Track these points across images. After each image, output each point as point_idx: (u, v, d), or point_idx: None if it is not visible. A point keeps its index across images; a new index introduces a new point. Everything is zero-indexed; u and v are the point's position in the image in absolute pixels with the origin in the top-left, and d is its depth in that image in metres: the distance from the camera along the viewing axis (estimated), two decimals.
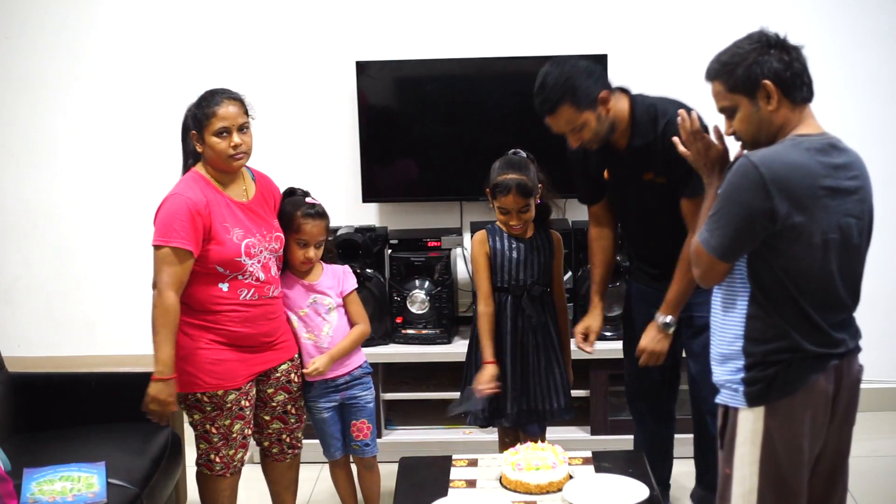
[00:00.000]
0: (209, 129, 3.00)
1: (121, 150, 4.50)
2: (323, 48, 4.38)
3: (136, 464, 3.15)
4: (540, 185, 3.30)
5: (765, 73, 2.33)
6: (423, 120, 4.35)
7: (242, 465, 3.22)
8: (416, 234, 4.23)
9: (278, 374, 3.23)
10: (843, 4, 4.30)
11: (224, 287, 3.03)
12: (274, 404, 3.26)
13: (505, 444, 3.48)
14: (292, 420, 3.32)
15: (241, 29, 4.39)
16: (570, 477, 2.90)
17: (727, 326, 2.40)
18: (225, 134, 3.00)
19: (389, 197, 4.44)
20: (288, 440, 3.34)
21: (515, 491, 2.85)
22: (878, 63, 4.34)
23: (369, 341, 4.06)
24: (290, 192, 3.30)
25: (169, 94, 4.42)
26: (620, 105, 3.05)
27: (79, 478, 2.87)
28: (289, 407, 3.30)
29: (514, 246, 3.34)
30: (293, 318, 3.28)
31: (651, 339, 3.11)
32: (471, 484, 2.92)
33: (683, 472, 3.58)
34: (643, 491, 2.80)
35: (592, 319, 3.36)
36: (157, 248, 2.97)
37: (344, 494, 3.52)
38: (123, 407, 3.40)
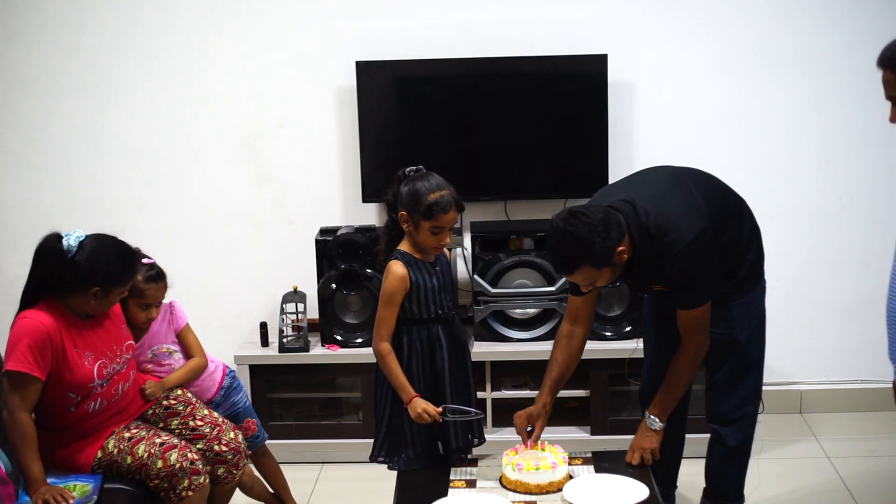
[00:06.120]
0: (125, 299, 3.04)
1: (121, 151, 4.49)
2: (323, 48, 4.38)
3: None
4: None
5: None
6: (423, 120, 4.35)
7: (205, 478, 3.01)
8: None
9: (151, 412, 3.16)
10: (844, 4, 4.29)
11: (73, 408, 2.94)
12: (178, 429, 3.13)
13: None
14: (207, 429, 3.13)
15: (241, 29, 4.38)
16: (570, 477, 2.90)
17: None
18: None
19: None
20: (225, 448, 3.11)
21: (515, 491, 2.85)
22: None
23: (369, 341, 4.05)
24: None
25: (169, 95, 4.43)
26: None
27: (74, 486, 2.86)
28: (191, 423, 3.14)
29: (430, 273, 3.08)
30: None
31: (642, 439, 3.10)
32: (471, 484, 2.93)
33: (692, 473, 3.58)
34: (643, 491, 2.81)
35: (536, 409, 3.11)
36: (6, 371, 2.83)
37: (260, 495, 3.49)
38: None
